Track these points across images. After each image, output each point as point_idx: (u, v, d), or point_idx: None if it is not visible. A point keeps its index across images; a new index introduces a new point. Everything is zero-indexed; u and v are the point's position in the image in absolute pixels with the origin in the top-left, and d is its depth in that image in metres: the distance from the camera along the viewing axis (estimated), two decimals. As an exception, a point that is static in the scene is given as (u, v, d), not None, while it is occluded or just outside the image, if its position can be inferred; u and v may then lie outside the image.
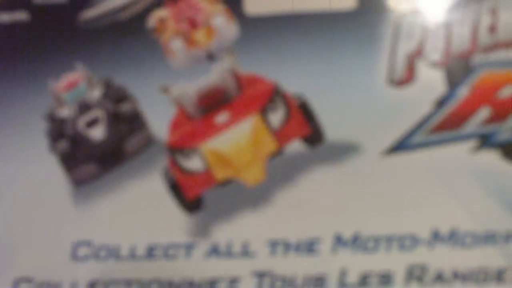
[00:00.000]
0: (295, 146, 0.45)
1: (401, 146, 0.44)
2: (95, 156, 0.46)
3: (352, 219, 0.44)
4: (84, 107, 0.46)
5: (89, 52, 0.46)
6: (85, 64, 0.46)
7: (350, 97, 0.44)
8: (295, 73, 0.44)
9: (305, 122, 0.44)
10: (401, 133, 0.44)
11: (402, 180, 0.44)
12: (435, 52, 0.45)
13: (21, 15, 0.46)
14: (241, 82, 0.44)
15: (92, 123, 0.46)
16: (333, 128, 0.44)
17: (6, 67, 0.46)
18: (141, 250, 0.45)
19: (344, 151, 0.44)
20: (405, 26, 0.45)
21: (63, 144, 0.46)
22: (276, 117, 0.44)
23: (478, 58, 0.44)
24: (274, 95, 0.44)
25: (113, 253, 0.45)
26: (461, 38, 0.44)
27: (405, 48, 0.45)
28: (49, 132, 0.46)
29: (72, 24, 0.46)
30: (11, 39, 0.46)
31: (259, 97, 0.44)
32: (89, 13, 0.46)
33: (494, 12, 0.44)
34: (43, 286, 0.45)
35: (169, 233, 0.45)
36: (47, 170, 0.46)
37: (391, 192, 0.44)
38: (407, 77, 0.45)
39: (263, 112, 0.44)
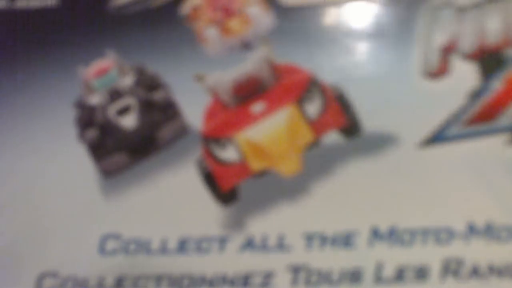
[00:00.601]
0: (332, 137, 0.46)
1: (437, 138, 0.45)
2: (126, 145, 0.46)
3: (388, 211, 0.44)
4: (115, 95, 0.46)
5: (120, 39, 0.46)
6: (116, 51, 0.46)
7: (386, 88, 0.45)
8: (331, 64, 0.45)
9: (342, 113, 0.45)
10: (437, 125, 0.46)
11: (438, 172, 0.45)
12: (468, 45, 0.46)
13: (51, 0, 0.47)
14: (277, 71, 0.45)
15: (123, 111, 0.46)
16: (369, 120, 0.45)
17: (36, 53, 0.46)
18: (172, 244, 0.45)
19: (381, 142, 0.45)
20: (439, 19, 0.47)
21: (93, 133, 0.46)
22: (313, 107, 0.45)
23: (511, 52, 0.46)
24: (310, 85, 0.45)
25: (143, 247, 0.45)
26: (495, 32, 0.46)
27: (439, 41, 0.46)
28: (78, 120, 0.46)
29: (103, 9, 0.46)
30: (41, 24, 0.46)
31: (295, 87, 0.45)
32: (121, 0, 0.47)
33: (528, 6, 0.46)
34: (69, 281, 0.45)
35: (202, 226, 0.45)
36: (76, 159, 0.46)
37: (427, 184, 0.45)
38: (442, 70, 0.46)
39: (300, 102, 0.44)
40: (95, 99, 0.46)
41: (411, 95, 0.45)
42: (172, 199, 0.45)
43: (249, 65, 0.45)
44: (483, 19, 0.46)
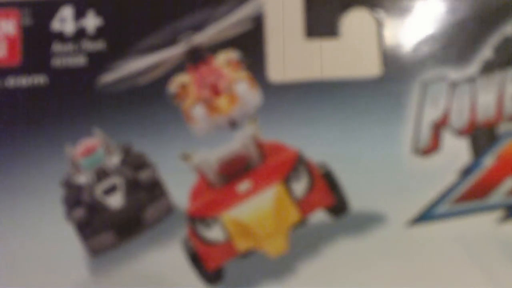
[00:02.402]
0: (319, 216, 0.51)
1: (426, 216, 0.50)
2: (113, 224, 0.51)
3: (377, 291, 0.49)
4: (102, 174, 0.52)
5: (107, 117, 0.52)
6: (103, 130, 0.52)
7: (374, 166, 0.50)
8: (319, 142, 0.50)
9: (329, 192, 0.50)
10: (426, 203, 0.50)
11: (427, 251, 0.49)
12: (460, 120, 0.51)
13: (39, 79, 0.52)
14: (263, 150, 0.50)
15: (110, 190, 0.51)
16: (357, 198, 0.50)
17: (24, 132, 0.52)
18: (158, 323, 0.50)
19: (368, 222, 0.50)
20: (430, 94, 0.51)
21: (80, 212, 0.51)
22: (300, 186, 0.50)
23: (503, 127, 0.50)
24: (297, 164, 0.50)
25: (129, 325, 0.50)
26: (486, 107, 0.50)
27: (430, 116, 0.51)
28: (65, 199, 0.51)
29: (90, 88, 0.52)
30: (29, 103, 0.52)
31: (282, 165, 0.50)
32: (108, 77, 0.52)
33: (519, 82, 0.50)
34: None
35: (188, 306, 0.50)
36: (63, 238, 0.51)
37: (416, 264, 0.49)
38: (432, 146, 0.51)
39: (286, 181, 0.49)
40: (82, 178, 0.51)
41: (401, 173, 0.49)
42: (158, 278, 0.50)
43: (236, 143, 0.50)
44: (475, 93, 0.50)
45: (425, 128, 0.50)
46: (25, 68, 0.52)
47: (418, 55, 0.51)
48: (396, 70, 0.51)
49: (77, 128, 0.51)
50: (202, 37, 0.51)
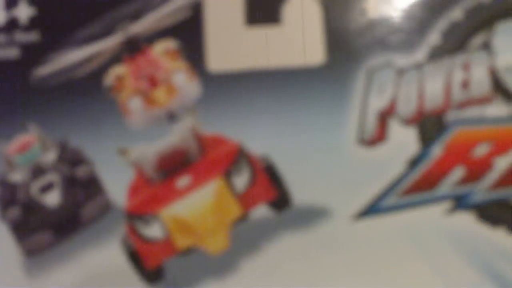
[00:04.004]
0: (261, 210, 0.54)
1: (372, 209, 0.53)
2: (49, 223, 0.54)
3: (321, 286, 0.52)
4: (38, 171, 0.55)
5: (42, 112, 0.55)
6: (38, 125, 0.55)
7: (318, 157, 0.53)
8: (260, 133, 0.53)
9: (271, 185, 0.53)
10: (372, 195, 0.53)
11: (373, 245, 0.52)
12: (407, 109, 0.54)
13: None
14: (203, 143, 0.53)
15: (46, 188, 0.54)
16: (300, 191, 0.53)
17: (-46, 129, 0.55)
18: (98, 324, 0.53)
19: (313, 215, 0.53)
20: (376, 82, 0.54)
21: (15, 211, 0.54)
22: (241, 180, 0.53)
23: (451, 115, 0.53)
24: (238, 157, 0.53)
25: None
26: (434, 94, 0.54)
27: (376, 105, 0.54)
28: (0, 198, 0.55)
29: (24, 81, 0.55)
30: None
31: (222, 159, 0.53)
32: (43, 70, 0.55)
33: (466, 67, 0.53)
34: None
35: (128, 305, 0.53)
36: (-2, 239, 0.55)
37: (362, 258, 0.52)
38: (379, 136, 0.54)
39: (227, 175, 0.52)
40: (17, 176, 0.54)
41: (345, 164, 0.52)
42: (96, 277, 0.53)
43: (174, 137, 0.53)
44: (423, 80, 0.53)
45: (371, 117, 0.53)
46: (-46, 61, 0.55)
47: (364, 41, 0.54)
48: (341, 57, 0.54)
49: (11, 124, 0.54)
50: (139, 27, 0.54)
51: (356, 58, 0.53)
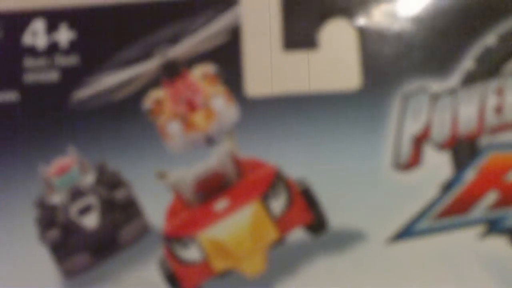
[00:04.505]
0: (298, 234, 0.56)
1: (406, 233, 0.55)
2: (88, 245, 0.57)
3: (357, 310, 0.54)
4: (77, 194, 0.57)
5: (81, 135, 0.57)
6: (77, 148, 0.57)
7: (354, 181, 0.55)
8: (297, 157, 0.55)
9: (307, 209, 0.55)
10: (407, 219, 0.55)
11: (407, 268, 0.54)
12: (441, 134, 0.56)
13: (10, 96, 0.58)
14: (241, 167, 0.56)
15: (84, 210, 0.57)
16: (336, 215, 0.55)
17: (-5, 150, 0.57)
18: None
19: (348, 238, 0.55)
20: (411, 107, 0.56)
21: (54, 233, 0.57)
22: (278, 204, 0.55)
23: (485, 140, 0.56)
24: (275, 181, 0.55)
25: None
26: (468, 119, 0.56)
27: (411, 129, 0.56)
28: (39, 219, 0.57)
29: (64, 104, 0.57)
30: (0, 120, 0.57)
31: (260, 182, 0.55)
32: (82, 93, 0.57)
33: (500, 92, 0.56)
34: None
35: (166, 326, 0.55)
36: (37, 260, 0.57)
37: (397, 281, 0.54)
38: (413, 161, 0.56)
39: (264, 198, 0.55)
40: (56, 198, 0.57)
41: (380, 188, 0.55)
42: None
43: (212, 160, 0.55)
44: (457, 106, 0.56)
45: (405, 142, 0.56)
46: (-5, 85, 0.58)
47: (399, 66, 0.56)
48: (377, 82, 0.56)
49: (51, 146, 0.57)
50: (177, 51, 0.57)
51: (392, 83, 0.56)
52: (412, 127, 0.56)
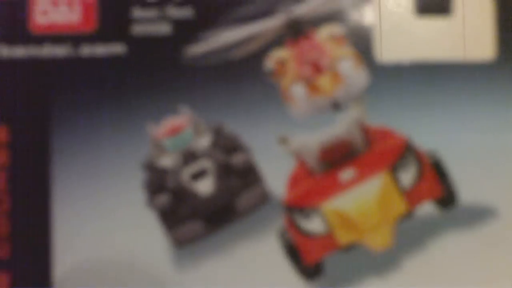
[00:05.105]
0: (426, 208, 0.69)
1: (541, 210, 0.69)
2: (201, 213, 0.74)
3: (485, 287, 0.69)
4: (190, 157, 0.71)
5: (195, 94, 0.71)
6: (191, 107, 0.70)
7: (486, 155, 0.70)
8: (428, 128, 0.69)
9: (438, 182, 0.73)
10: (542, 196, 0.70)
11: (540, 248, 0.69)
12: None
13: (117, 48, 0.70)
14: (369, 135, 0.75)
15: (198, 175, 0.71)
16: (467, 189, 0.70)
17: (99, 107, 0.70)
18: (251, 318, 0.70)
19: (478, 214, 0.71)
20: None
21: (164, 198, 0.71)
22: (408, 176, 0.72)
23: None
24: (406, 152, 0.73)
25: (217, 321, 0.69)
26: None
27: None
28: (148, 184, 0.75)
29: (176, 60, 0.72)
30: (105, 74, 0.69)
31: (389, 153, 0.73)
32: (196, 49, 0.70)
33: None
34: None
35: (282, 301, 0.69)
36: (145, 227, 0.70)
37: (528, 261, 0.69)
38: None
39: (394, 170, 0.73)
40: (166, 161, 0.71)
41: None
42: (250, 272, 0.72)
43: (339, 127, 0.72)
44: None
45: (541, 114, 0.70)
46: (101, 35, 0.71)
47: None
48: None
49: (161, 105, 0.71)
50: (304, 8, 0.69)
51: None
52: (548, 99, 0.70)
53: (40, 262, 0.73)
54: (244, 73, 0.72)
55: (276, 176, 0.72)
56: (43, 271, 0.73)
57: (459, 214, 0.72)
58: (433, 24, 0.72)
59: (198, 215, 0.71)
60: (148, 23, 0.73)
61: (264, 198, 0.72)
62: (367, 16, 0.73)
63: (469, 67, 0.73)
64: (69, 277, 0.76)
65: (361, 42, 0.72)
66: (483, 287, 0.72)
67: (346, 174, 0.70)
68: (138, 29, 0.72)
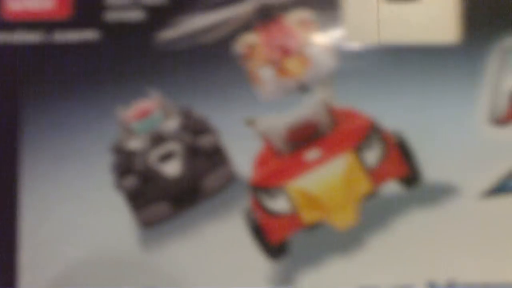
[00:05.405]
0: (390, 187, 0.70)
1: (501, 188, 0.74)
2: (168, 194, 0.75)
3: (447, 266, 0.71)
4: (158, 139, 0.73)
5: (165, 78, 0.73)
6: (160, 91, 0.72)
7: (449, 135, 0.73)
8: (393, 109, 0.71)
9: (402, 162, 0.74)
10: (502, 174, 0.72)
11: (501, 224, 0.72)
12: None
13: (91, 34, 0.71)
14: (335, 117, 0.77)
15: (166, 157, 0.73)
16: (430, 168, 0.72)
17: (71, 91, 0.73)
18: (214, 298, 0.70)
19: (441, 193, 0.73)
20: (511, 62, 0.71)
21: (132, 180, 0.73)
22: (372, 155, 0.73)
23: None
24: (371, 132, 0.74)
25: (186, 302, 0.70)
26: None
27: (509, 84, 0.71)
28: (116, 166, 0.77)
29: (148, 45, 0.74)
30: (78, 60, 0.71)
31: (354, 133, 0.75)
32: (168, 34, 0.73)
33: None
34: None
35: (249, 281, 0.70)
36: (112, 209, 0.72)
37: (489, 237, 0.74)
38: (510, 115, 0.71)
39: (358, 149, 0.75)
40: (134, 144, 0.74)
41: (475, 143, 0.75)
42: (216, 252, 0.72)
43: (305, 109, 0.74)
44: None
45: (503, 97, 0.72)
46: (75, 22, 0.73)
47: (500, 20, 0.71)
48: (476, 36, 0.71)
49: (131, 89, 0.75)
50: (272, -6, 0.72)
51: (492, 37, 0.71)
52: (510, 82, 0.70)
53: (6, 245, 0.72)
54: (213, 57, 0.74)
55: (244, 157, 0.73)
56: (9, 255, 0.71)
57: (423, 193, 0.73)
58: (400, 8, 0.74)
59: (165, 196, 0.72)
60: (121, 10, 0.75)
61: (230, 179, 0.74)
62: (335, 0, 0.74)
63: (434, 50, 0.73)
64: (36, 259, 0.78)
65: (329, 26, 0.74)
66: (447, 264, 0.72)
67: (312, 154, 0.72)
68: (111, 16, 0.74)
